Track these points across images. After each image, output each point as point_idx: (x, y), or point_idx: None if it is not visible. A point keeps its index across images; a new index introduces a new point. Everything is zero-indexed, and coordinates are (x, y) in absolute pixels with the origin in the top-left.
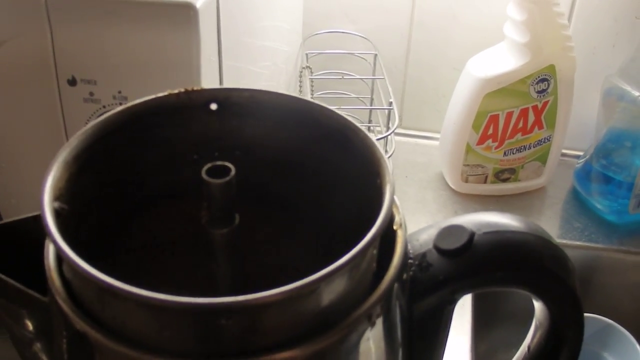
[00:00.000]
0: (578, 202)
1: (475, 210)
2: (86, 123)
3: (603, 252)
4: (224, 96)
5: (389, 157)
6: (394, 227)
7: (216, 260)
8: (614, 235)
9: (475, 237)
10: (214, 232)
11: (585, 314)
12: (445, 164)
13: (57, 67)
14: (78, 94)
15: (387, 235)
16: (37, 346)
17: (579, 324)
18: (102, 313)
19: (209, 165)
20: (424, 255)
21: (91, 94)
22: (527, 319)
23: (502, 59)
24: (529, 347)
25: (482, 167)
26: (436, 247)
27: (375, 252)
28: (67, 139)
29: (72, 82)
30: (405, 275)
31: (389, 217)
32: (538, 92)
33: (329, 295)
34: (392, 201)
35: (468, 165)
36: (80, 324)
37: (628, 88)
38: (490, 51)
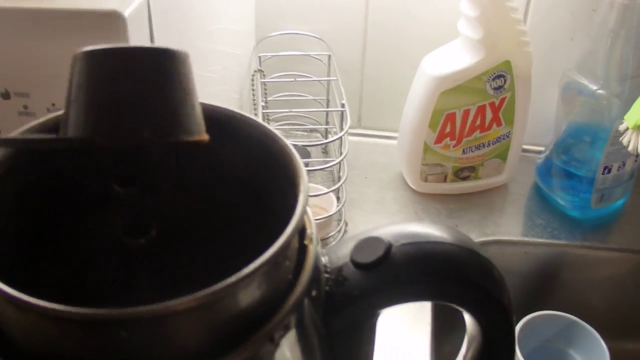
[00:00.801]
0: (540, 199)
1: (436, 210)
2: None
3: (567, 248)
4: None
5: (343, 158)
6: (305, 242)
7: (135, 272)
8: (577, 230)
9: (393, 249)
10: (132, 244)
11: (551, 312)
12: (404, 163)
13: None
14: (12, 107)
15: (301, 251)
16: None
17: (510, 335)
18: (7, 329)
19: (116, 175)
20: (340, 269)
21: (25, 107)
22: None
23: (456, 56)
24: None
25: (441, 166)
26: (352, 261)
27: (287, 264)
28: None
29: (6, 95)
30: (315, 292)
31: (299, 226)
32: (494, 88)
33: (231, 309)
34: (303, 212)
35: (427, 164)
36: None
37: (586, 82)
38: (444, 48)
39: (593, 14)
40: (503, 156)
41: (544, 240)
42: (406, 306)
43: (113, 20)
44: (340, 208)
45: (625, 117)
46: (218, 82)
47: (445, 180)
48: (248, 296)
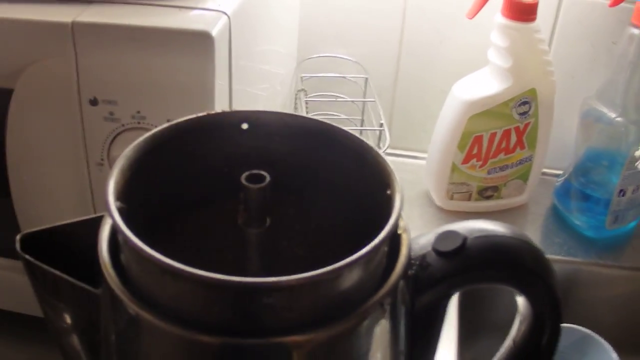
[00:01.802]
0: (558, 219)
1: None
2: (105, 141)
3: (582, 265)
4: (254, 117)
5: None
6: (399, 232)
7: (248, 256)
8: (592, 249)
9: (468, 241)
10: (248, 232)
11: (564, 324)
12: (432, 182)
13: (80, 88)
14: (99, 113)
15: (394, 239)
16: (74, 338)
17: (558, 315)
18: (158, 295)
19: (247, 173)
20: (424, 256)
21: (111, 113)
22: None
23: (486, 83)
24: (514, 340)
25: (467, 185)
26: (434, 249)
27: (386, 249)
28: (87, 156)
29: (94, 102)
30: (409, 272)
31: (399, 218)
32: (520, 114)
33: (348, 281)
34: (401, 206)
35: (453, 183)
36: (133, 308)
37: (605, 110)
38: (474, 75)
39: (612, 47)
40: (524, 177)
41: (561, 258)
42: None
43: (203, 39)
44: None
45: None
46: (266, 99)
47: (469, 198)
48: (359, 273)
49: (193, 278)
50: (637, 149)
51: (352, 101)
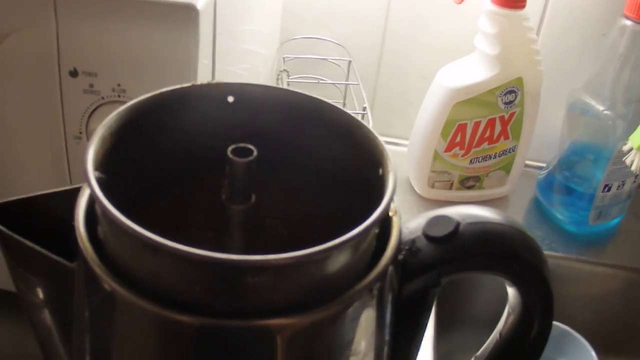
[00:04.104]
0: (539, 212)
1: None
2: (84, 113)
3: (562, 260)
4: (241, 90)
5: None
6: (390, 214)
7: (230, 235)
8: (573, 245)
9: (461, 227)
10: (232, 208)
11: None
12: (413, 169)
13: (60, 59)
14: (79, 85)
15: (383, 223)
16: (46, 313)
17: (549, 309)
18: (136, 271)
19: (233, 145)
20: (413, 241)
21: (91, 85)
22: (485, 325)
23: (472, 70)
24: (500, 333)
25: (449, 174)
26: (425, 234)
27: (376, 231)
28: (65, 128)
29: (74, 73)
30: (398, 257)
31: (392, 199)
32: (505, 103)
33: (337, 264)
34: (395, 187)
35: (435, 171)
36: (109, 284)
37: (592, 103)
38: (460, 62)
39: (601, 38)
40: (507, 169)
41: None
42: None
43: (188, 12)
44: None
45: (629, 138)
46: (247, 79)
47: (451, 187)
48: (349, 255)
49: (174, 253)
50: (625, 144)
51: (335, 84)
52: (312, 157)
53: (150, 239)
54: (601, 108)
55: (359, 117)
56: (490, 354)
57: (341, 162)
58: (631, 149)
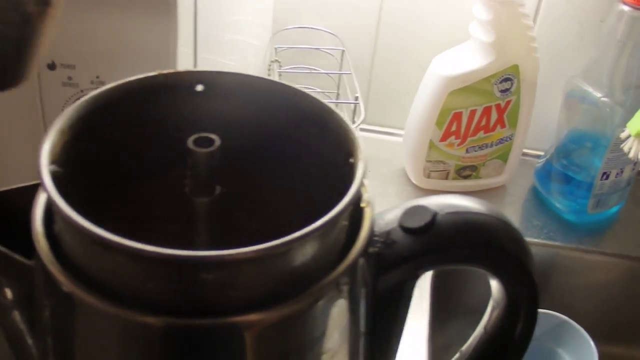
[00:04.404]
0: (537, 201)
1: None
2: (64, 106)
3: (561, 250)
4: (210, 78)
5: None
6: (362, 205)
7: (196, 228)
8: (572, 234)
9: (438, 217)
10: (195, 201)
11: (541, 310)
12: (408, 159)
13: None
14: (57, 78)
15: (356, 213)
16: (16, 314)
17: (534, 302)
18: (94, 271)
19: (195, 136)
20: (388, 233)
21: (69, 78)
22: (482, 317)
23: (467, 58)
24: (485, 328)
25: (444, 164)
26: (401, 226)
27: (345, 223)
28: (45, 121)
29: (52, 66)
30: (370, 250)
31: (359, 190)
32: (501, 91)
33: (302, 257)
34: (363, 176)
35: (430, 161)
36: (66, 284)
37: (590, 90)
38: (455, 50)
39: (600, 25)
40: (504, 157)
41: (540, 241)
42: None
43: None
44: None
45: (627, 124)
46: (235, 70)
47: (447, 177)
48: (313, 248)
49: (123, 250)
50: (623, 131)
51: (328, 73)
52: (285, 148)
53: (98, 235)
54: (599, 95)
55: (351, 108)
56: (476, 349)
57: (315, 151)
58: (629, 136)
